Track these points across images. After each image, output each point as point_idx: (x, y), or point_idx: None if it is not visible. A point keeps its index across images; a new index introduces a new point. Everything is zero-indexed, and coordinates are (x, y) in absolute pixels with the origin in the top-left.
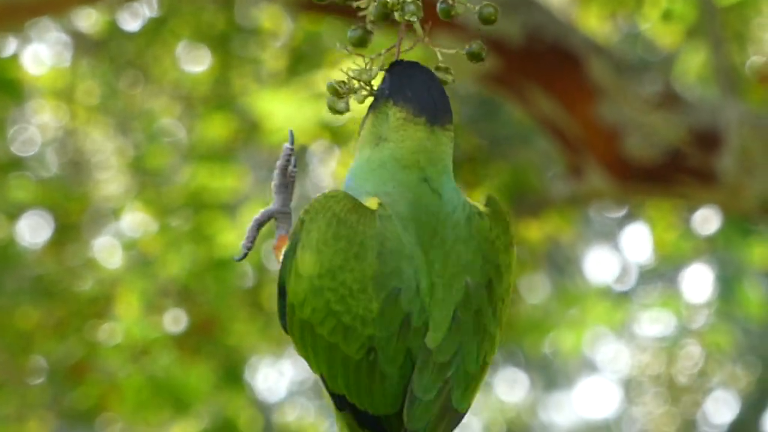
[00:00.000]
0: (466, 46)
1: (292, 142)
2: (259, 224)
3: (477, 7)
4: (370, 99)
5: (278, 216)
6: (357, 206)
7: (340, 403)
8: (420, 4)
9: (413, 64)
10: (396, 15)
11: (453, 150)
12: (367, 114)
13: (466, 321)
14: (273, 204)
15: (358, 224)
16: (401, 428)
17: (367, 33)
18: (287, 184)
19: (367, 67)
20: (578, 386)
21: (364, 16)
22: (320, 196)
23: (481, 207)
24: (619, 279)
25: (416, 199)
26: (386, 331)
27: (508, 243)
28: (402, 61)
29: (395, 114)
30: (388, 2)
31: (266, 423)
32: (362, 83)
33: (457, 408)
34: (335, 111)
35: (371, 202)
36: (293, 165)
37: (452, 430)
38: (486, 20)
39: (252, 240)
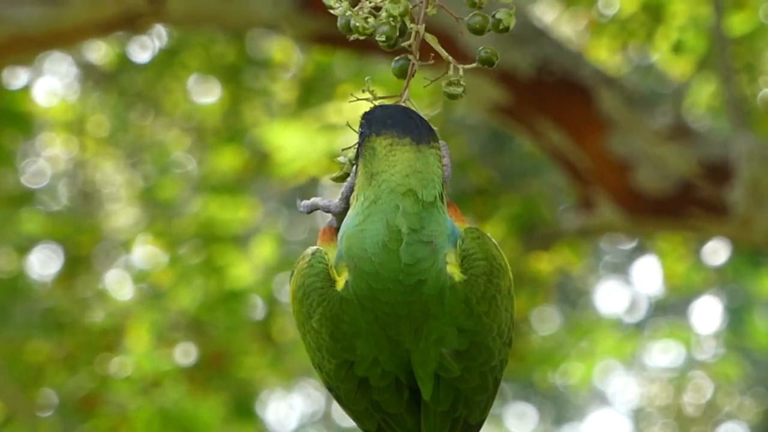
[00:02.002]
0: (478, 51)
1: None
2: (317, 208)
3: (480, 49)
4: None
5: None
6: (325, 286)
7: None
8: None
9: (386, 105)
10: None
11: (443, 167)
12: (355, 168)
13: (451, 380)
14: (335, 201)
15: (319, 304)
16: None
17: (410, 63)
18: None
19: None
20: (588, 418)
21: (387, 46)
22: (305, 258)
23: (457, 271)
24: (629, 311)
25: (386, 275)
26: (345, 385)
27: (494, 291)
28: (375, 105)
29: (381, 143)
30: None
31: None
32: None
33: None
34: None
35: (340, 278)
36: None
37: None
38: (486, 62)
39: (309, 209)
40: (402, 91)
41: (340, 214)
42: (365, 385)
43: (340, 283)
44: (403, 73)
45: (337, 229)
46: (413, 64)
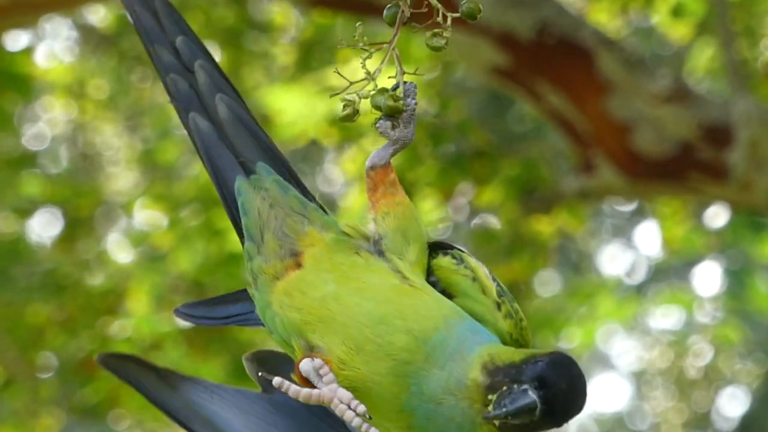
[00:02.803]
0: (461, 5)
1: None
2: (402, 148)
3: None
4: None
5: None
6: None
7: None
8: None
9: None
10: None
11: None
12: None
13: None
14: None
15: None
16: None
17: (401, 11)
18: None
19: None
20: (591, 381)
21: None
22: None
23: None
24: (630, 274)
25: None
26: None
27: None
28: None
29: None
30: None
31: None
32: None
33: None
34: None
35: None
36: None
37: None
38: (469, 16)
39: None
40: (392, 38)
41: (388, 148)
42: None
43: None
44: (394, 21)
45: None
46: (403, 11)
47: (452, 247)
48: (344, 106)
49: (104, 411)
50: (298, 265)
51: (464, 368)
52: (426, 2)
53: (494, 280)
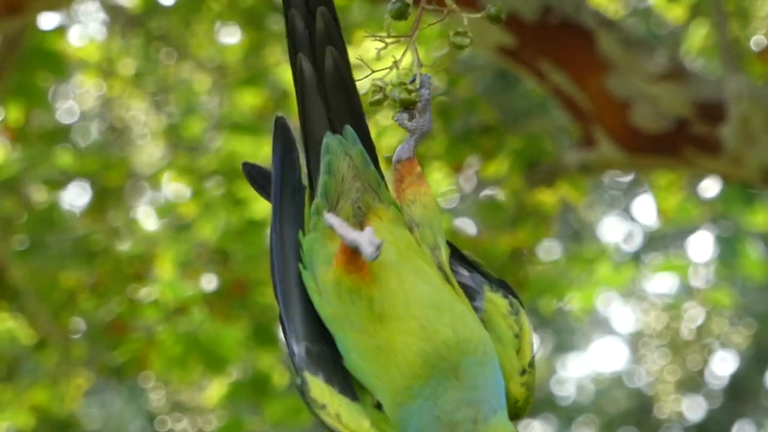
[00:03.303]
0: (487, 8)
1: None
2: (421, 137)
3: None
4: None
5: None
6: None
7: None
8: None
9: None
10: None
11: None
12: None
13: None
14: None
15: None
16: None
17: (407, 6)
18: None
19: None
20: (591, 344)
21: None
22: None
23: None
24: (627, 242)
25: None
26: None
27: None
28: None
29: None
30: None
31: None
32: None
33: None
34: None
35: None
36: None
37: None
38: (495, 19)
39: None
40: (411, 32)
41: (411, 142)
42: None
43: None
44: (399, 15)
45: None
46: (422, 8)
47: (515, 295)
48: (373, 93)
49: (132, 371)
50: None
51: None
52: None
53: (533, 350)
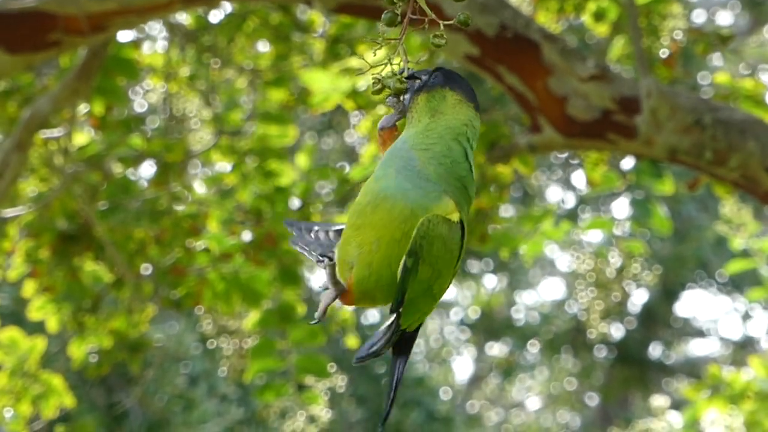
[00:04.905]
0: (457, 16)
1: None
2: (402, 114)
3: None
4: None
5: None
6: (452, 225)
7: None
8: None
9: (455, 72)
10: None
11: None
12: (417, 95)
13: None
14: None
15: (454, 240)
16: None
17: (396, 15)
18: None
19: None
20: (539, 282)
21: (392, 3)
22: (428, 223)
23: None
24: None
25: (464, 186)
26: (447, 284)
27: None
28: (444, 68)
29: (452, 96)
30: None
31: (312, 307)
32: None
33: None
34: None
35: (452, 211)
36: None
37: None
38: (463, 23)
39: (323, 312)
40: (400, 36)
41: (395, 116)
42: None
43: (455, 218)
44: (390, 23)
45: (393, 130)
46: (407, 18)
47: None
48: (374, 83)
49: (188, 304)
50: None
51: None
52: (419, 9)
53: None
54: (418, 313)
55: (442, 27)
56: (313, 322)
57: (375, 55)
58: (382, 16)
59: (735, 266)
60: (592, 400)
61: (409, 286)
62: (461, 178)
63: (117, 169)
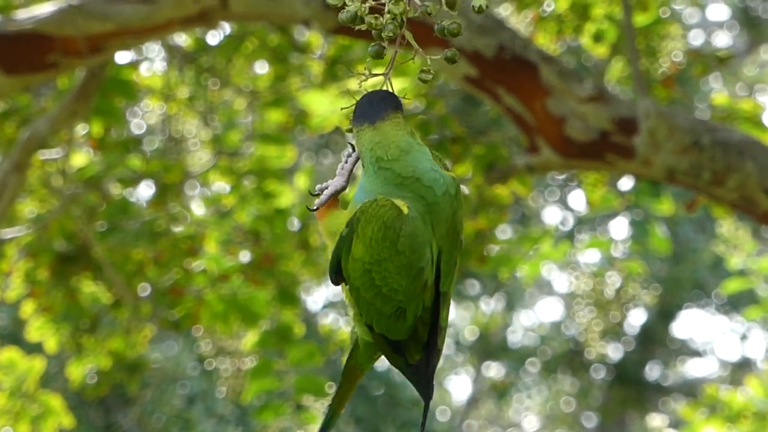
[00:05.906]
0: (444, 52)
1: (353, 149)
2: (336, 193)
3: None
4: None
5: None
6: (398, 212)
7: (371, 329)
8: (398, 23)
9: (361, 97)
10: (382, 33)
11: (411, 127)
12: (354, 153)
13: (454, 263)
14: (341, 180)
15: (399, 228)
16: (406, 347)
17: (383, 48)
18: (350, 170)
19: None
20: (537, 303)
21: (380, 37)
22: (372, 202)
23: (448, 172)
24: (563, 224)
25: (423, 197)
26: (412, 296)
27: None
28: (356, 101)
29: (356, 132)
30: (372, 23)
31: (310, 327)
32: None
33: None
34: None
35: (402, 205)
36: (354, 159)
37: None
38: (452, 34)
39: (324, 203)
40: (387, 69)
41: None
42: (423, 288)
43: (405, 210)
44: (377, 55)
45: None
46: (396, 52)
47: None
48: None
49: (186, 325)
50: None
51: None
52: (406, 41)
53: None
54: (373, 313)
55: (429, 61)
56: (312, 209)
57: (360, 87)
58: (369, 49)
59: (732, 286)
60: (590, 420)
61: (343, 256)
62: (411, 182)
63: (115, 190)
